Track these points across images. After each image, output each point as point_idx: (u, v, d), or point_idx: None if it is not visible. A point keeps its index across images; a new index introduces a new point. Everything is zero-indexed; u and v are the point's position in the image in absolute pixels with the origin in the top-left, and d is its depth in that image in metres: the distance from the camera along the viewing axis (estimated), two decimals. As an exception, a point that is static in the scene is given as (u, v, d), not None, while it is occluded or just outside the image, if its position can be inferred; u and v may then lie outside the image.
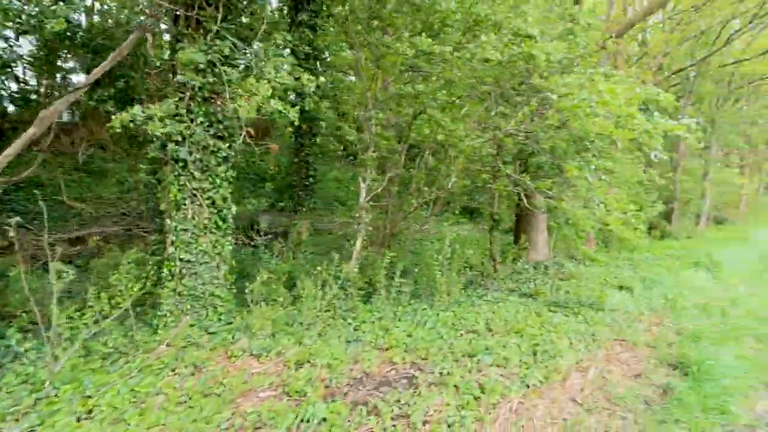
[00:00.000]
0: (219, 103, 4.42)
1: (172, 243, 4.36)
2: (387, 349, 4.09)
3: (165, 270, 4.35)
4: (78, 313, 3.59)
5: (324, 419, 3.02)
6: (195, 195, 4.39)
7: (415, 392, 3.40)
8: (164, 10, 4.62)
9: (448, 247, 5.87)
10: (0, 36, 7.54)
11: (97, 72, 4.72)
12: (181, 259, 4.32)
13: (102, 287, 3.85)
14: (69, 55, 9.24)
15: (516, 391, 3.47)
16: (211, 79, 4.27)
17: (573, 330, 4.68)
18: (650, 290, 6.38)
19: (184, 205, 4.35)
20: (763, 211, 28.89)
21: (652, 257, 10.31)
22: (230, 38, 4.34)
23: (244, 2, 5.08)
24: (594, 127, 4.57)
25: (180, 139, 4.26)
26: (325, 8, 9.20)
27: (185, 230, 4.34)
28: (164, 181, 4.58)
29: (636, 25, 7.57)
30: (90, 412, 3.00)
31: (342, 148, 12.78)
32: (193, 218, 4.40)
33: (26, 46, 9.18)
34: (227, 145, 4.56)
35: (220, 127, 4.46)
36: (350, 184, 12.84)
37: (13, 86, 9.12)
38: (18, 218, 3.69)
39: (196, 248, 4.40)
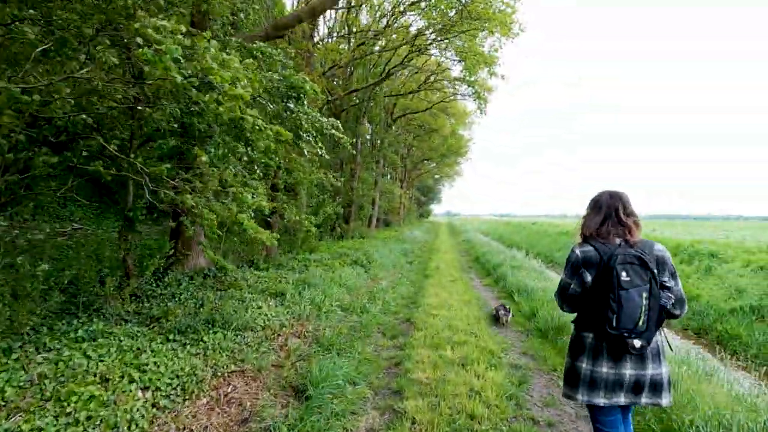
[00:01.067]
0: None
1: None
2: None
3: None
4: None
5: None
6: None
7: None
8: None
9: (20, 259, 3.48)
10: None
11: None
12: None
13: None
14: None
15: None
16: None
17: (174, 370, 3.29)
18: (303, 294, 5.94)
19: None
20: (413, 217, 38.12)
21: (327, 256, 10.68)
22: None
23: None
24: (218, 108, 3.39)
25: None
26: None
27: None
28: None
29: (304, 21, 7.37)
30: None
31: None
32: None
33: None
34: None
35: None
36: None
37: None
38: None
39: None
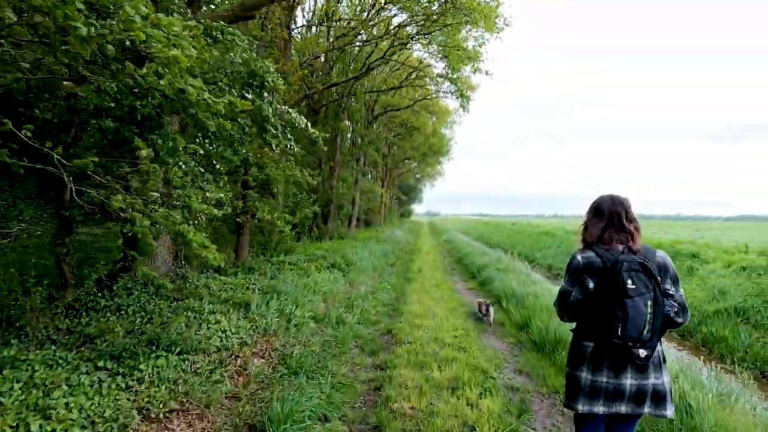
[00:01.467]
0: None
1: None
2: None
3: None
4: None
5: None
6: None
7: None
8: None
9: None
10: None
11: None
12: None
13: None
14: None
15: None
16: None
17: (91, 414, 2.55)
18: (271, 303, 5.23)
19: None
20: (395, 217, 37.62)
21: (303, 258, 9.93)
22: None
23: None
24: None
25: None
26: None
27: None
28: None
29: (275, 1, 6.65)
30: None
31: None
32: None
33: None
34: None
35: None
36: None
37: None
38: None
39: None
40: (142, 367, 3.21)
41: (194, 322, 4.38)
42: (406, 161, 32.12)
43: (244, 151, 6.20)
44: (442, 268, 11.65)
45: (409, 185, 46.59)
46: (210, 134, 5.03)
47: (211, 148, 4.87)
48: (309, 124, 5.31)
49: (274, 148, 5.22)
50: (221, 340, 4.00)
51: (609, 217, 1.91)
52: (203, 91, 2.53)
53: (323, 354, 4.49)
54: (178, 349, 3.58)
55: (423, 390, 3.62)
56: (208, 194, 3.70)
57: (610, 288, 1.76)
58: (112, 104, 3.61)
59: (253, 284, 6.50)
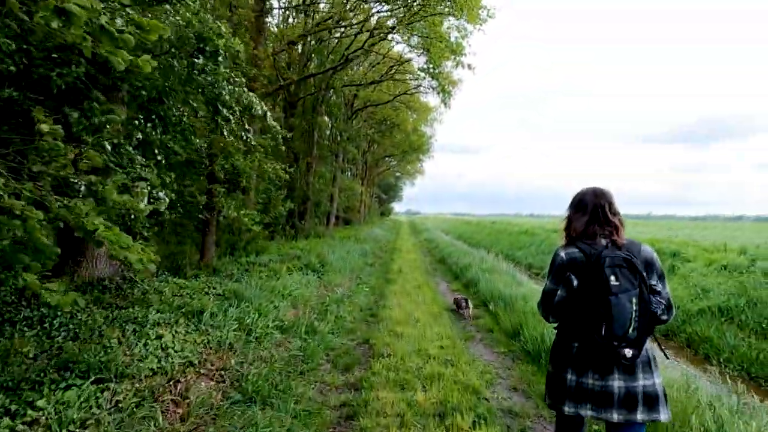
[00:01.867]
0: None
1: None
2: None
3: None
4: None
5: None
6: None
7: None
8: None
9: None
10: None
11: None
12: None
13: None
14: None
15: None
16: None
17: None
18: (230, 312, 4.48)
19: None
20: (375, 215, 36.99)
21: (276, 258, 9.15)
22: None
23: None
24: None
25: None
26: None
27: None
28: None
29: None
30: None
31: None
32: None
33: None
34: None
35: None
36: None
37: None
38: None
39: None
40: (40, 403, 2.43)
41: (131, 337, 3.60)
42: (386, 159, 31.50)
43: (198, 141, 5.40)
44: (424, 269, 11.05)
45: (389, 184, 46.00)
46: (154, 117, 4.24)
47: (153, 133, 4.08)
48: (269, 112, 4.58)
49: (225, 134, 4.45)
50: (159, 361, 3.24)
51: (592, 211, 1.83)
52: (98, 13, 1.79)
53: (288, 372, 3.79)
54: (97, 376, 2.81)
55: (405, 419, 2.97)
56: (139, 186, 2.93)
57: (594, 285, 1.68)
58: (12, 67, 2.81)
59: (213, 288, 5.71)
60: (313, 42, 15.15)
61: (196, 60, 3.55)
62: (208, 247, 8.23)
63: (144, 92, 4.33)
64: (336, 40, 15.36)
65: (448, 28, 11.90)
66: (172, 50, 3.84)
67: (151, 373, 3.07)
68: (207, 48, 3.57)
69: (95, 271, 5.41)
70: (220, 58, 3.71)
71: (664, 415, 1.73)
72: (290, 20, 16.14)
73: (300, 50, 15.53)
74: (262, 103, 4.41)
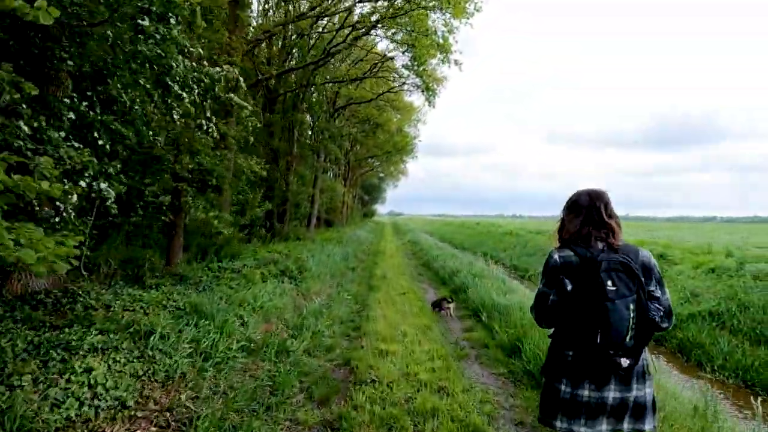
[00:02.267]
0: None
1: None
2: None
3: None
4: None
5: None
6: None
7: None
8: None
9: None
10: None
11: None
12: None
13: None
14: None
15: None
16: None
17: None
18: (186, 330, 3.77)
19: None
20: (357, 216, 36.31)
21: (252, 264, 8.38)
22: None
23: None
24: None
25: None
26: None
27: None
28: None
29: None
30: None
31: None
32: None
33: None
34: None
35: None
36: None
37: None
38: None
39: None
40: None
41: (52, 370, 2.86)
42: (370, 160, 30.87)
43: (151, 133, 4.64)
44: (409, 273, 10.44)
45: (372, 185, 45.36)
46: (91, 94, 3.49)
47: (91, 113, 3.33)
48: (235, 96, 3.88)
49: (175, 118, 3.73)
50: (81, 405, 2.52)
51: (587, 212, 1.75)
52: None
53: (252, 408, 3.10)
54: None
55: (394, 476, 2.34)
56: (37, 161, 2.21)
57: (589, 290, 1.58)
58: None
59: (173, 301, 4.96)
60: (294, 36, 14.41)
61: (141, 22, 2.83)
62: (176, 251, 7.41)
63: (86, 68, 3.59)
64: (317, 35, 14.65)
65: (433, 21, 11.36)
66: (114, 15, 3.11)
67: (64, 425, 2.35)
68: (154, 7, 2.86)
69: (29, 282, 4.60)
70: (172, 21, 3.00)
71: (649, 425, 1.69)
72: (270, 13, 15.36)
73: (280, 45, 14.77)
74: (222, 72, 3.70)
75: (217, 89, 3.55)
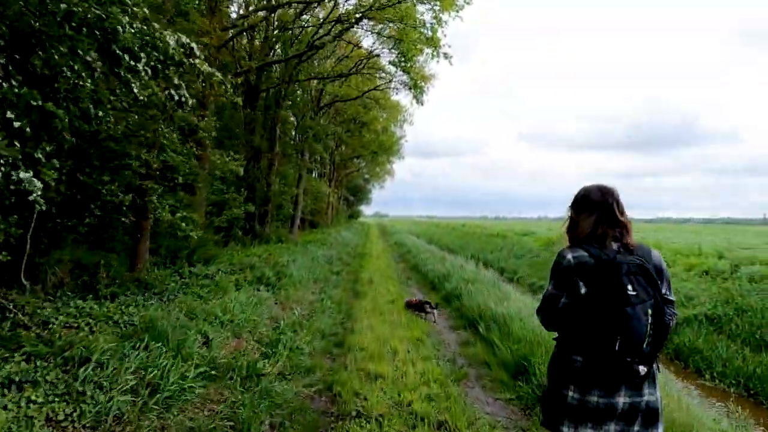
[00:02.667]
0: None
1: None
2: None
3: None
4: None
5: None
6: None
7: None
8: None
9: None
10: None
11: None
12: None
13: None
14: None
15: None
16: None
17: None
18: (132, 356, 3.07)
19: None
20: (343, 218, 35.60)
21: (227, 268, 7.64)
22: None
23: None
24: None
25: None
26: None
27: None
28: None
29: None
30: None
31: None
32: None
33: None
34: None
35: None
36: None
37: None
38: None
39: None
40: None
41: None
42: (355, 160, 30.19)
43: (102, 114, 3.89)
44: (397, 278, 9.80)
45: (358, 186, 44.64)
46: (4, 62, 2.76)
47: (5, 85, 2.62)
48: (199, 61, 3.19)
49: (137, 92, 3.02)
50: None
51: (600, 210, 1.62)
52: None
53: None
54: None
55: None
56: None
57: (608, 294, 1.47)
58: None
59: (127, 315, 4.23)
60: (276, 31, 13.69)
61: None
62: (141, 255, 6.62)
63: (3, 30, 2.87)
64: (301, 30, 13.95)
65: (422, 14, 10.80)
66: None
67: None
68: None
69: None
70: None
71: (660, 430, 1.60)
72: (251, 8, 14.59)
73: (263, 37, 14.03)
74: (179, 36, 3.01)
75: (175, 55, 2.86)
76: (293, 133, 17.27)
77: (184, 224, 6.14)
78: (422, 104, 14.42)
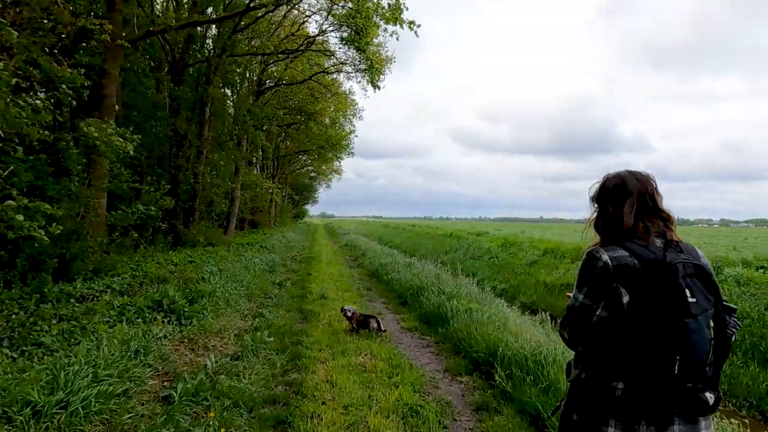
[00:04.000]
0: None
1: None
2: None
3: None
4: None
5: None
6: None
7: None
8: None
9: None
10: None
11: None
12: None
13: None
14: None
15: None
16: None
17: None
18: None
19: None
20: (287, 217, 32.72)
21: (121, 285, 5.15)
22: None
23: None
24: None
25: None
26: None
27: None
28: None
29: None
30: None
31: None
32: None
33: None
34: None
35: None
36: None
37: None
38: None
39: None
40: None
41: None
42: (301, 156, 27.59)
43: None
44: (356, 289, 7.71)
45: (304, 184, 41.79)
46: None
47: None
48: None
49: None
50: None
51: (639, 200, 1.27)
52: None
53: None
54: None
55: None
56: None
57: (663, 303, 1.10)
58: None
59: None
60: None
61: None
62: None
63: None
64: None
65: None
66: None
67: None
68: None
69: None
70: None
71: None
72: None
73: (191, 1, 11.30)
74: None
75: None
76: (230, 117, 14.55)
77: (20, 217, 3.70)
78: (379, 88, 12.59)
